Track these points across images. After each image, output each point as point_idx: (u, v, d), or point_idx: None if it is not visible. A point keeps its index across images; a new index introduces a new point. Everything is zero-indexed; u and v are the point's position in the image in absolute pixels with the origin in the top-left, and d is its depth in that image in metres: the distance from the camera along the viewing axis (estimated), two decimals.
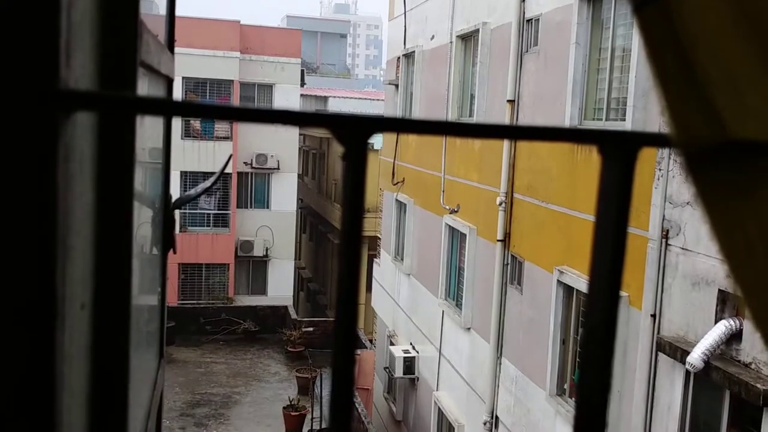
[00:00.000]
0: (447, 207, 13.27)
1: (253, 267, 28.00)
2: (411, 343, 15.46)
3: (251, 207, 27.94)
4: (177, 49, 2.84)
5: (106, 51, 1.05)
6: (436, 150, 13.74)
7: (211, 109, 0.50)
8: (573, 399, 8.91)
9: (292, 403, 18.45)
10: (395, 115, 12.63)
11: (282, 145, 27.47)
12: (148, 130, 1.73)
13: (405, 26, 16.01)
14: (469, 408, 12.31)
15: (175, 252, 2.57)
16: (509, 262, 10.96)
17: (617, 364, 7.64)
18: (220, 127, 26.65)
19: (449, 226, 13.30)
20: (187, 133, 26.24)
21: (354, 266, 0.48)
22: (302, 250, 32.95)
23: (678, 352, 6.76)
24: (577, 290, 9.04)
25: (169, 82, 2.31)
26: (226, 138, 26.77)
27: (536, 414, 9.94)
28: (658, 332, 7.28)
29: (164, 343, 2.68)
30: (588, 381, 0.51)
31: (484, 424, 11.37)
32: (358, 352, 18.29)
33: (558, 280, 9.30)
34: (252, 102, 27.26)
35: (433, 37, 14.58)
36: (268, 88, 27.86)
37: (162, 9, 2.47)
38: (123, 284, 1.14)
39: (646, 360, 7.44)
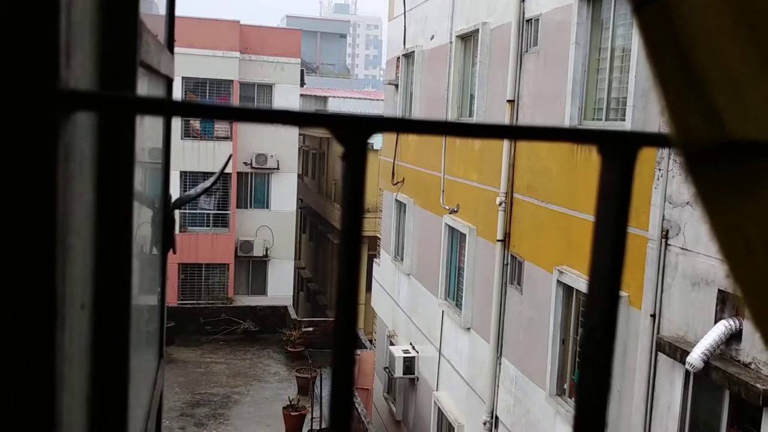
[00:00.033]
0: (447, 207, 13.27)
1: (252, 267, 28.00)
2: (411, 343, 15.46)
3: (251, 207, 27.94)
4: (177, 49, 2.84)
5: (106, 51, 1.05)
6: (436, 150, 13.73)
7: (210, 109, 0.50)
8: (573, 399, 8.91)
9: (292, 403, 18.44)
10: (395, 115, 12.65)
11: (282, 145, 27.47)
12: (148, 130, 1.73)
13: (405, 26, 16.00)
14: (468, 408, 12.30)
15: (174, 252, 2.57)
16: (509, 262, 10.96)
17: (617, 364, 7.64)
18: (220, 127, 26.65)
19: (449, 226, 13.30)
20: (187, 133, 26.24)
21: (354, 266, 0.48)
22: (302, 250, 32.95)
23: (678, 352, 6.76)
24: (576, 290, 9.04)
25: (168, 82, 2.31)
26: (225, 138, 26.77)
27: (536, 414, 9.94)
28: (658, 332, 7.28)
29: (164, 343, 2.68)
30: (588, 381, 0.51)
31: (484, 424, 11.37)
32: (358, 352, 18.28)
33: (558, 280, 9.30)
34: (252, 102, 27.26)
35: (432, 37, 14.57)
36: (267, 88, 27.87)
37: (162, 9, 2.47)
38: (123, 284, 1.14)
39: (646, 360, 7.44)
